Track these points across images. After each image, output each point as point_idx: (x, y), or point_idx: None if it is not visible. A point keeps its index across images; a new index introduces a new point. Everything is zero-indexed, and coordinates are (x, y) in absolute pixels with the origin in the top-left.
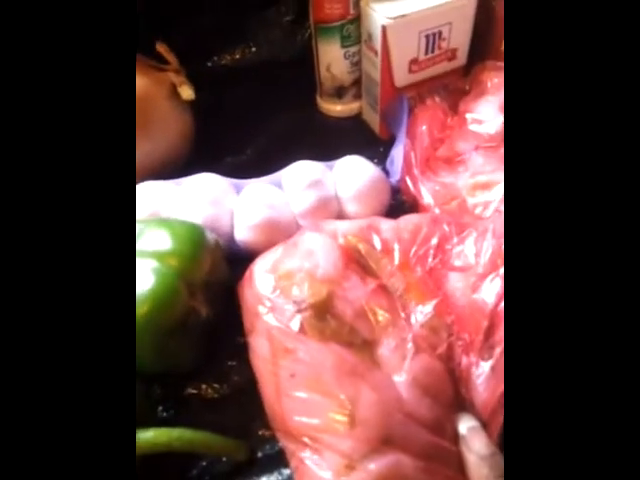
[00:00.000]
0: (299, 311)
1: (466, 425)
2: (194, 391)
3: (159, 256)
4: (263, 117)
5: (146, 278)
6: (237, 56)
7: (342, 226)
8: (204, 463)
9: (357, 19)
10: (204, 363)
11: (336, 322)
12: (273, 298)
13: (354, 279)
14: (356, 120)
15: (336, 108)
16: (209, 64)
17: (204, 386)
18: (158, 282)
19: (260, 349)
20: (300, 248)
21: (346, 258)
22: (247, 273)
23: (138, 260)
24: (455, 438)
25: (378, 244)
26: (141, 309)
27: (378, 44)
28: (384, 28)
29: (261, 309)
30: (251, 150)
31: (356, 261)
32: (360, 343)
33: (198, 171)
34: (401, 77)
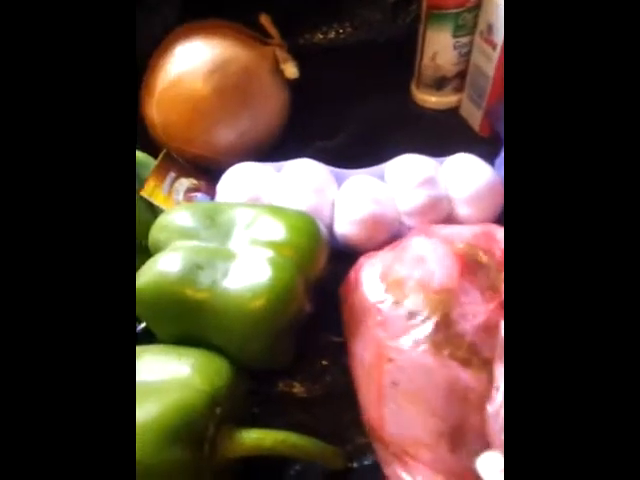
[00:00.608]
0: (414, 324)
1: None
2: (286, 389)
3: (276, 246)
4: (354, 102)
5: (263, 269)
6: (332, 35)
7: (457, 231)
8: (298, 467)
9: (476, 8)
10: (297, 360)
11: (454, 337)
12: (383, 307)
13: (473, 292)
14: (452, 114)
15: (432, 99)
16: (301, 41)
17: (296, 384)
18: (276, 276)
19: (363, 355)
20: (410, 254)
21: (463, 268)
22: (353, 276)
23: (254, 248)
24: None
25: (498, 254)
26: (257, 302)
27: (499, 37)
28: None
29: (369, 317)
30: (341, 135)
31: (475, 272)
32: (480, 363)
33: (287, 153)
34: None
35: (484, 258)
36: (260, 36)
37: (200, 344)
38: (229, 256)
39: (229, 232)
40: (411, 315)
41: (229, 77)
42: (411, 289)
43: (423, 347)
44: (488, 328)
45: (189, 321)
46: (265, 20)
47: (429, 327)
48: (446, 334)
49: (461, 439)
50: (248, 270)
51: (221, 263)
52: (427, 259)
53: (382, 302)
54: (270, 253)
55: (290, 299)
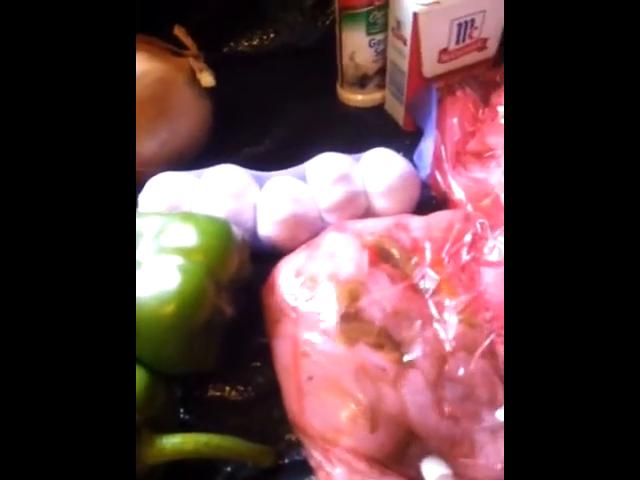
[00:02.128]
0: (324, 317)
1: (435, 473)
2: (217, 393)
3: (185, 252)
4: (280, 106)
5: (172, 276)
6: (255, 42)
7: (368, 225)
8: (229, 469)
9: (385, 6)
10: (226, 364)
11: (364, 324)
12: (297, 304)
13: (383, 280)
14: (378, 111)
15: (357, 98)
16: (225, 50)
17: (227, 388)
18: (185, 280)
19: (282, 353)
20: (323, 250)
21: (373, 258)
22: (270, 278)
23: (162, 257)
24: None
25: (408, 243)
26: (167, 308)
27: (408, 32)
28: (416, 15)
29: (285, 315)
30: (269, 140)
31: (384, 261)
32: (391, 345)
33: (214, 162)
34: (430, 67)
35: (393, 247)
36: (175, 48)
37: None
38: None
39: (137, 242)
40: (322, 308)
41: (144, 89)
42: (322, 284)
43: (334, 338)
44: (398, 312)
45: None
46: (179, 31)
47: (338, 318)
48: (355, 323)
49: (379, 418)
50: (154, 277)
51: None
52: (337, 254)
53: (296, 299)
54: (178, 259)
55: (200, 303)
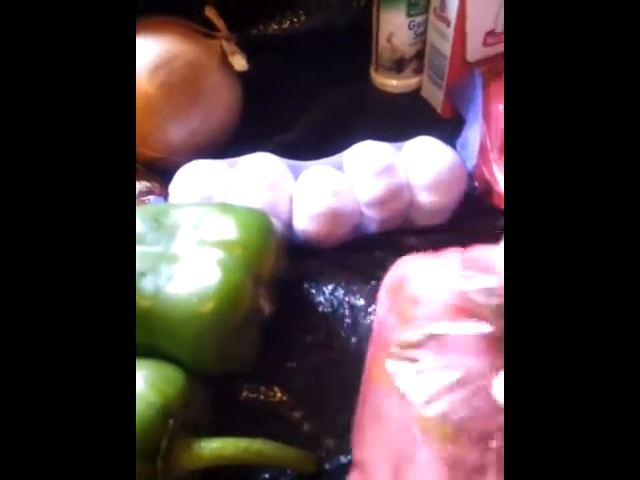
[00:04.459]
0: None
1: None
2: (251, 395)
3: (225, 246)
4: (312, 92)
5: (211, 271)
6: (286, 24)
7: None
8: (267, 475)
9: None
10: (261, 364)
11: None
12: None
13: None
14: (414, 96)
15: (392, 83)
16: (254, 33)
17: (263, 388)
18: (225, 277)
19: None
20: None
21: None
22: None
23: (201, 249)
24: None
25: None
26: (207, 306)
27: (452, 13)
28: None
29: None
30: (300, 127)
31: None
32: None
33: (243, 150)
34: (474, 50)
35: None
36: (207, 30)
37: (151, 354)
38: (173, 259)
39: (174, 234)
40: None
41: (175, 73)
42: None
43: None
44: None
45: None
46: (210, 13)
47: None
48: None
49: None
50: (193, 272)
51: (165, 267)
52: None
53: None
54: (218, 253)
55: (239, 300)
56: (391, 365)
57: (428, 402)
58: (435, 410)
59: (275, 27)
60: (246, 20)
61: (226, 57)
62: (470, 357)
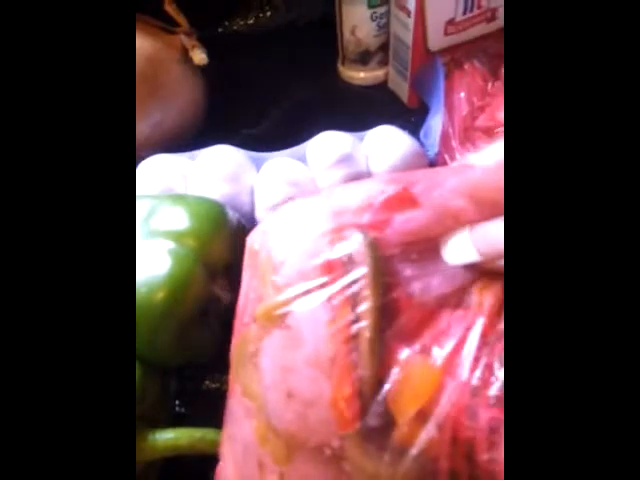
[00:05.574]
0: None
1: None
2: (214, 385)
3: (175, 236)
4: (279, 86)
5: (162, 261)
6: (251, 21)
7: None
8: None
9: None
10: (224, 354)
11: None
12: None
13: None
14: (381, 88)
15: (359, 75)
16: (220, 30)
17: (225, 378)
18: (175, 266)
19: None
20: None
21: None
22: None
23: (151, 241)
24: None
25: None
26: (157, 296)
27: (412, 3)
28: None
29: None
30: (267, 121)
31: None
32: None
33: (210, 144)
34: (435, 40)
35: None
36: (167, 26)
37: None
38: None
39: None
40: None
41: None
42: None
43: None
44: None
45: None
46: (170, 7)
47: None
48: None
49: None
50: (144, 264)
51: None
52: None
53: None
54: (169, 243)
55: (190, 289)
56: None
57: None
58: None
59: (241, 23)
60: (212, 17)
61: (187, 52)
62: None
